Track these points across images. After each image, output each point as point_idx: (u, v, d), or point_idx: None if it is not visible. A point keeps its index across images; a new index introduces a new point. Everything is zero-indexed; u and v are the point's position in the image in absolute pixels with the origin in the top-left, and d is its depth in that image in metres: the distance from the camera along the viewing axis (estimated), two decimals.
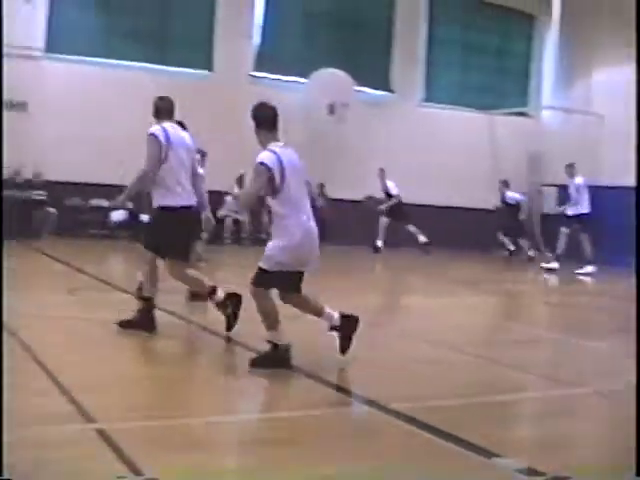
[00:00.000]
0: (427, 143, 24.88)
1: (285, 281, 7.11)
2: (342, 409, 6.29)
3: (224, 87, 21.92)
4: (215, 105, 21.52)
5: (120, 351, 7.73)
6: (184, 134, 8.68)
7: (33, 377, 6.28)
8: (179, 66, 22.07)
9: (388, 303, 13.61)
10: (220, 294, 8.30)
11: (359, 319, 7.38)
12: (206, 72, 22.50)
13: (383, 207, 21.33)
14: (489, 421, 5.97)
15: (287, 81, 23.39)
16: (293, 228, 6.97)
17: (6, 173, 19.75)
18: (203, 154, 11.74)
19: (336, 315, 7.34)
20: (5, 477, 3.71)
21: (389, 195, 21.48)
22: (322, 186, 23.16)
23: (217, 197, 20.43)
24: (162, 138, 8.26)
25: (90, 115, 20.24)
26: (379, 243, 21.71)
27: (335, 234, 20.72)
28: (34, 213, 19.85)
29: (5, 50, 19.77)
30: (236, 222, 22.12)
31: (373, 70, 24.72)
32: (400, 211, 21.40)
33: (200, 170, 9.00)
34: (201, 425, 5.41)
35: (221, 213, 21.48)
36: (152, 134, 8.32)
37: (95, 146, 19.90)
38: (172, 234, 8.25)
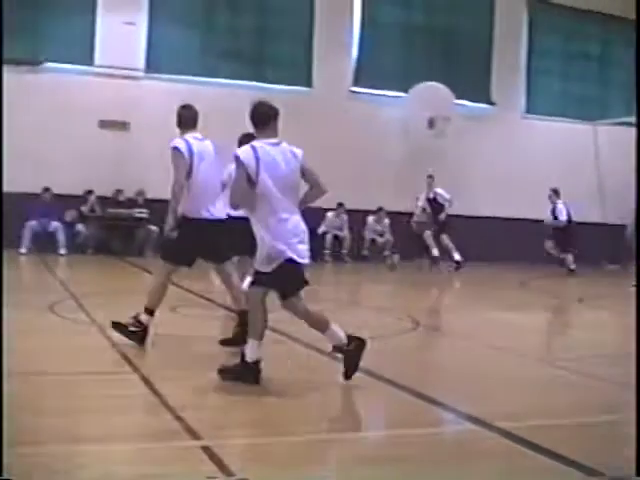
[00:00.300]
0: (528, 155, 24.50)
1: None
2: (446, 427, 6.12)
3: (324, 103, 21.93)
4: (315, 122, 21.53)
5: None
6: (207, 143, 8.57)
7: (139, 394, 6.27)
8: (278, 83, 22.12)
9: (477, 317, 13.33)
10: None
11: (366, 342, 7.09)
12: (306, 89, 22.52)
13: (441, 217, 20.16)
14: (594, 440, 5.70)
15: (386, 96, 23.29)
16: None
17: (109, 192, 20.11)
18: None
19: (342, 334, 7.09)
20: (5, 477, 3.64)
21: (436, 203, 20.31)
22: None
23: (318, 213, 20.50)
24: (185, 151, 8.19)
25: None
26: (435, 252, 20.24)
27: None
28: (136, 231, 20.11)
29: (108, 71, 20.28)
30: (336, 238, 22.04)
31: (473, 82, 24.40)
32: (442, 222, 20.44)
33: None
34: (304, 442, 5.29)
35: (321, 229, 21.46)
36: (175, 148, 8.25)
37: None
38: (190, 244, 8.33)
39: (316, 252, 21.23)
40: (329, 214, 21.56)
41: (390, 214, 22.35)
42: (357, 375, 7.00)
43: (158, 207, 20.10)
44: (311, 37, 22.64)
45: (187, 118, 8.51)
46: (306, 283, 7.03)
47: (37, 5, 20.15)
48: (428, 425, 5.95)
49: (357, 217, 22.13)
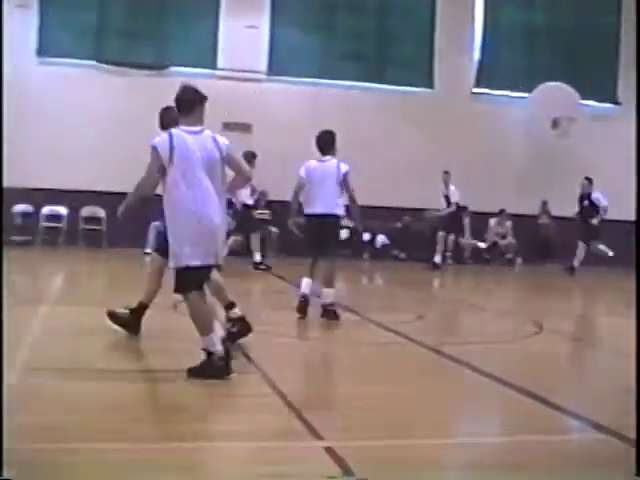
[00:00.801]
0: None
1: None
2: (571, 434, 5.97)
3: (445, 104, 21.75)
4: (436, 123, 21.41)
5: (345, 370, 7.66)
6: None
7: (262, 394, 6.31)
8: (399, 85, 22.05)
9: (604, 322, 13.00)
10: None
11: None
12: (427, 90, 22.37)
13: (442, 213, 19.58)
14: None
15: (508, 96, 22.96)
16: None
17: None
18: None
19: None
20: (5, 477, 3.67)
21: (592, 207, 19.66)
22: (545, 203, 22.56)
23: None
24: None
25: (312, 135, 20.44)
26: (437, 258, 19.65)
27: (561, 252, 20.13)
28: (259, 232, 20.28)
29: (230, 74, 20.56)
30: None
31: (598, 82, 23.81)
32: (456, 221, 20.13)
33: None
34: (425, 446, 5.23)
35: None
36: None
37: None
38: None
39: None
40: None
41: (512, 216, 22.06)
42: (482, 380, 6.91)
43: (279, 208, 20.33)
44: (432, 37, 22.48)
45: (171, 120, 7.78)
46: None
47: (162, 11, 20.59)
48: (551, 432, 5.80)
49: (479, 220, 21.89)
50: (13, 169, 16.16)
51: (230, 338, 7.67)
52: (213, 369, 6.57)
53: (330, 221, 10.22)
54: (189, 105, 6.90)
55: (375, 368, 7.87)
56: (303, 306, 10.04)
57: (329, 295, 10.20)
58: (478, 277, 20.16)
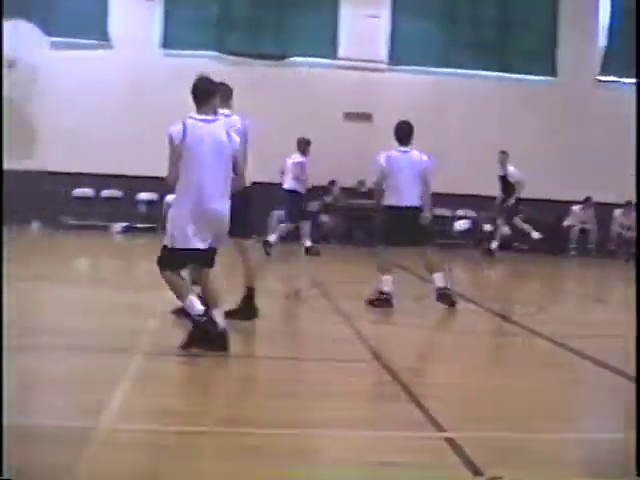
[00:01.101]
0: None
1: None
2: None
3: (568, 93, 21.29)
4: (559, 111, 21.00)
5: (465, 360, 7.59)
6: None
7: (382, 383, 6.31)
8: (522, 73, 21.69)
9: None
10: None
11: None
12: (550, 78, 21.93)
13: (510, 202, 18.41)
14: None
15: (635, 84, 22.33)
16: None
17: (351, 183, 20.40)
18: None
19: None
20: (5, 477, 3.67)
21: (506, 182, 18.46)
22: None
23: (563, 207, 20.07)
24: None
25: (434, 125, 20.30)
26: (494, 245, 18.82)
27: None
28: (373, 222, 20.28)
29: (351, 64, 20.57)
30: (583, 232, 21.37)
31: None
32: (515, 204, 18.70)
33: None
34: (547, 440, 5.14)
35: (566, 222, 20.90)
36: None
37: (445, 156, 19.71)
38: None
39: (561, 246, 20.76)
40: (575, 207, 20.95)
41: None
42: (606, 374, 6.76)
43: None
44: (555, 25, 21.98)
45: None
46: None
47: (283, 2, 20.73)
48: None
49: (604, 210, 21.37)
50: (146, 159, 16.66)
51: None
52: (203, 333, 6.84)
53: (414, 213, 10.14)
54: (204, 95, 7.17)
55: (497, 359, 7.80)
56: (386, 303, 9.94)
57: (439, 279, 10.10)
58: (602, 269, 19.71)
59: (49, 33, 19.01)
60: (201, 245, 6.91)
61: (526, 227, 18.78)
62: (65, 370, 6.25)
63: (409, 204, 10.05)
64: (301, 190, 16.33)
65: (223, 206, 7.01)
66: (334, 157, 19.83)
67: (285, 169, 16.45)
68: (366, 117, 20.57)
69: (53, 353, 6.77)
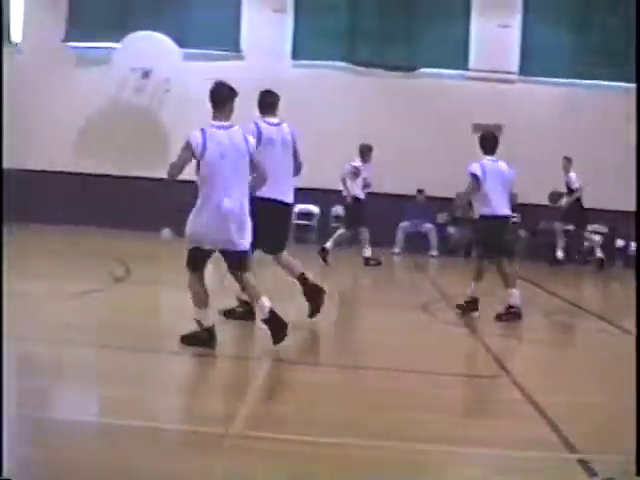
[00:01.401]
0: None
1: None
2: None
3: None
4: None
5: (601, 379, 7.37)
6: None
7: (512, 400, 6.17)
8: None
9: None
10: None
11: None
12: None
13: (562, 202, 17.72)
14: None
15: None
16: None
17: None
18: None
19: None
20: (5, 477, 3.59)
21: (570, 190, 17.75)
22: None
23: None
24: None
25: (566, 139, 19.87)
26: (559, 254, 17.91)
27: None
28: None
29: (482, 74, 20.34)
30: None
31: None
32: (579, 212, 17.79)
33: None
34: None
35: None
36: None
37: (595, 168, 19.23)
38: None
39: None
40: None
41: None
42: None
43: (529, 211, 19.92)
44: None
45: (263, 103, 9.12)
46: None
47: (412, 12, 20.61)
48: None
49: None
50: None
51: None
52: (198, 340, 7.10)
53: (507, 222, 10.24)
54: (222, 101, 7.33)
55: (632, 379, 7.54)
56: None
57: (516, 296, 9.80)
58: None
59: (182, 45, 19.38)
60: (217, 246, 7.25)
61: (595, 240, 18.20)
62: (198, 376, 6.36)
63: (503, 214, 10.02)
64: (360, 196, 15.72)
65: (240, 209, 7.21)
66: (462, 168, 19.59)
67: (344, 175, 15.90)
68: (497, 128, 20.27)
69: (185, 359, 6.91)
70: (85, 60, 20.01)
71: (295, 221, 20.02)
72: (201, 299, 7.25)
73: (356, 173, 15.61)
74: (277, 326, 7.12)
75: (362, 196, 15.70)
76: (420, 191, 19.50)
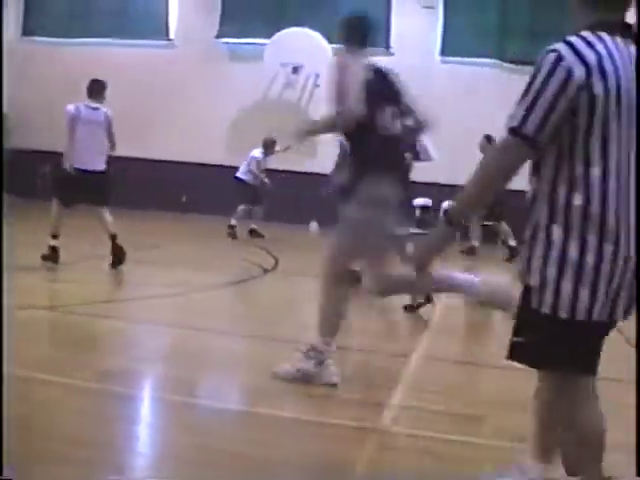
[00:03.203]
0: None
1: None
2: None
3: None
4: None
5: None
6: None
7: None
8: None
9: None
10: None
11: None
12: None
13: None
14: None
15: None
16: None
17: None
18: None
19: None
20: (5, 477, 3.60)
21: None
22: None
23: None
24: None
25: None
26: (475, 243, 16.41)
27: None
28: None
29: None
30: None
31: None
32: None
33: None
34: None
35: None
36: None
37: None
38: None
39: None
40: None
41: None
42: None
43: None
44: None
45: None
46: None
47: (565, 9, 20.12)
48: None
49: None
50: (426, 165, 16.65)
51: None
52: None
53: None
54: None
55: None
56: None
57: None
58: None
59: (332, 41, 19.56)
60: None
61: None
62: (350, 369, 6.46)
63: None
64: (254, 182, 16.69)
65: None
66: None
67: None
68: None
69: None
70: (237, 56, 20.48)
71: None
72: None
73: (258, 164, 16.71)
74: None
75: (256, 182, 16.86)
76: None
